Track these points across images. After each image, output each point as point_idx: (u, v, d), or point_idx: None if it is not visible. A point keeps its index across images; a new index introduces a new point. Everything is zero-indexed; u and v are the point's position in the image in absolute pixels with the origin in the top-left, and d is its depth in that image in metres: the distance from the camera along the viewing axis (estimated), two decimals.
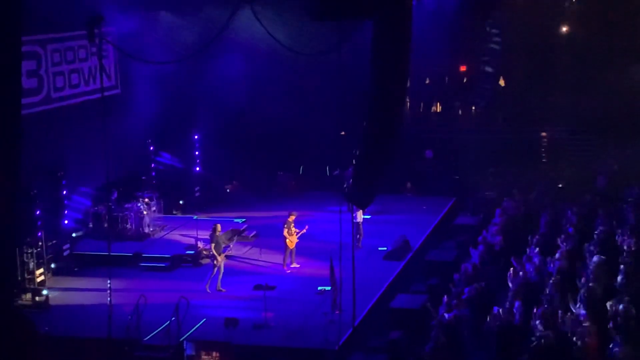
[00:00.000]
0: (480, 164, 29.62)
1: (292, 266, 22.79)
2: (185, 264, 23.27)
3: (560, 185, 27.43)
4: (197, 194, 29.47)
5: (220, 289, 21.18)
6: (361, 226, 23.86)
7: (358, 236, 23.18)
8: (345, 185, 24.02)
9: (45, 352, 16.36)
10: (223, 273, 21.20)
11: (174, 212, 28.03)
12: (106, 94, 23.40)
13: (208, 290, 21.06)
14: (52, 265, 22.55)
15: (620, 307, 16.66)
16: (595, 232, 21.56)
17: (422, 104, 33.56)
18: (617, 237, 21.43)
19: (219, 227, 21.63)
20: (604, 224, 22.27)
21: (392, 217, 27.07)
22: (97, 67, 25.18)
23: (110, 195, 24.98)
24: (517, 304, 17.79)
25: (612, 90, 28.62)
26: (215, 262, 21.17)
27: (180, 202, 28.37)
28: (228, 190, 30.49)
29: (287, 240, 22.55)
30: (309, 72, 28.92)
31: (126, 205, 25.53)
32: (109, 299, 17.48)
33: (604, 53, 29.64)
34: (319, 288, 20.90)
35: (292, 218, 22.70)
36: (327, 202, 27.23)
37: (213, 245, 21.21)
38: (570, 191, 26.77)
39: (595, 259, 19.18)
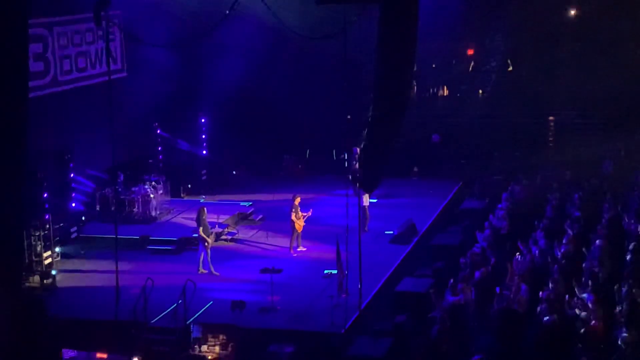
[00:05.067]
0: (486, 148, 29.61)
1: (298, 250, 22.84)
2: (191, 246, 23.31)
3: (567, 170, 27.39)
4: (203, 178, 29.51)
5: (214, 272, 21.24)
6: (367, 210, 23.88)
7: (365, 220, 23.20)
8: (351, 169, 24.10)
9: (53, 333, 16.51)
10: (211, 256, 21.36)
11: (182, 195, 28.09)
12: (113, 77, 23.38)
13: (202, 271, 21.11)
14: (57, 249, 22.59)
15: (626, 291, 16.69)
16: (603, 216, 21.58)
17: (429, 88, 33.50)
18: (623, 222, 21.44)
19: (205, 210, 21.70)
20: (610, 209, 22.27)
21: (398, 201, 27.09)
22: (103, 51, 25.18)
23: (117, 178, 25.05)
24: (523, 287, 17.82)
25: (619, 74, 28.53)
26: (205, 244, 21.25)
27: (189, 185, 28.41)
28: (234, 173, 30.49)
29: (295, 223, 22.58)
30: (316, 56, 28.86)
31: (133, 189, 25.59)
32: (116, 281, 17.57)
33: (612, 36, 29.54)
34: (325, 271, 20.96)
35: (297, 201, 22.73)
36: (333, 186, 27.28)
37: (201, 228, 21.28)
38: (577, 175, 26.75)
39: (598, 242, 19.20)
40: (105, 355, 16.82)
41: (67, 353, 16.83)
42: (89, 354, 16.98)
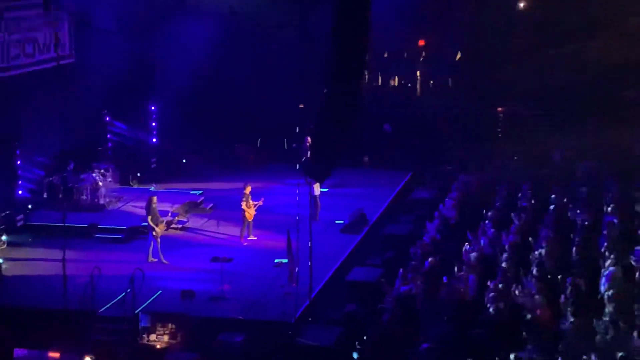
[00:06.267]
0: (437, 139, 29.79)
1: (249, 238, 22.79)
2: (141, 235, 23.13)
3: (515, 159, 27.71)
4: (153, 166, 29.28)
5: (163, 260, 21.13)
6: (318, 199, 23.90)
7: (315, 209, 23.22)
8: (303, 158, 24.14)
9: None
10: (161, 244, 21.22)
11: (131, 184, 27.85)
12: (61, 62, 23.06)
13: (151, 260, 20.98)
14: (4, 238, 22.25)
15: (571, 281, 16.97)
16: (550, 207, 21.89)
17: (380, 78, 33.61)
18: (569, 212, 21.78)
19: (155, 199, 21.58)
20: (557, 200, 22.60)
21: (349, 190, 27.15)
22: (52, 36, 24.80)
23: (66, 165, 24.74)
24: (471, 277, 18.02)
25: (568, 66, 28.89)
26: (153, 233, 21.13)
27: (138, 174, 28.17)
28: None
29: (246, 212, 22.53)
30: (269, 45, 28.79)
31: (82, 176, 25.29)
32: (63, 270, 17.37)
33: (561, 29, 29.88)
34: (276, 261, 20.94)
35: (248, 190, 22.68)
36: (285, 175, 27.24)
37: (150, 217, 21.16)
38: (526, 166, 27.06)
39: (545, 232, 19.47)
40: (57, 355, 16.64)
41: (18, 352, 16.64)
42: (41, 353, 16.79)
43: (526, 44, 30.48)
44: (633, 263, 17.94)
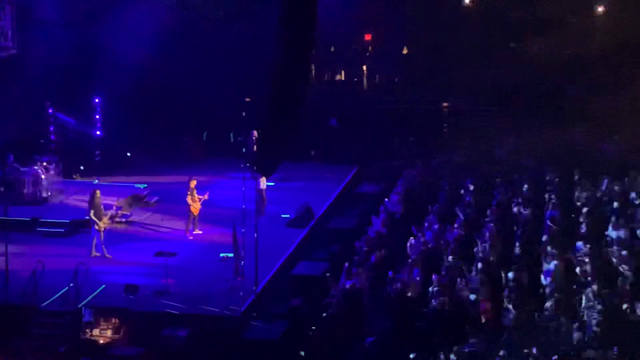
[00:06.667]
0: (383, 133, 29.92)
1: (194, 232, 22.66)
2: (84, 229, 22.85)
3: (460, 156, 27.93)
4: (97, 159, 28.94)
5: (107, 255, 20.93)
6: (265, 193, 23.86)
7: (262, 203, 23.18)
8: (249, 152, 24.04)
9: None
10: (105, 238, 21.01)
11: (74, 177, 27.49)
12: (2, 54, 22.67)
13: (95, 254, 20.76)
14: None
15: (514, 275, 17.20)
16: (493, 202, 22.14)
17: (327, 72, 33.65)
18: (513, 207, 22.05)
19: (98, 193, 21.37)
20: (501, 194, 22.87)
21: (295, 184, 27.13)
22: None
23: (6, 158, 24.30)
24: (416, 271, 18.16)
25: (513, 62, 29.20)
26: (96, 227, 20.92)
27: (81, 167, 27.83)
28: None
29: (191, 206, 22.40)
30: (216, 37, 28.61)
31: (23, 169, 24.87)
32: (5, 264, 17.11)
33: (506, 26, 30.18)
34: (222, 255, 20.82)
35: (193, 184, 22.54)
36: (230, 169, 27.11)
37: (93, 211, 20.94)
38: (470, 161, 27.32)
39: (488, 227, 19.69)
40: None
41: None
42: None
43: (472, 40, 30.75)
44: (573, 258, 18.25)
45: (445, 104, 31.50)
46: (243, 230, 18.91)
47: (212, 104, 29.68)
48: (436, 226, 20.68)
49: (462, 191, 23.69)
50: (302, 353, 16.35)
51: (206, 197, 22.63)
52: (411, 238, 20.01)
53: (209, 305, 18.33)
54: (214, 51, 29.67)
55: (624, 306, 15.85)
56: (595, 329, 15.26)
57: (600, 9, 30.86)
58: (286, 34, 16.33)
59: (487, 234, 19.72)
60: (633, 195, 22.01)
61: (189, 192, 22.42)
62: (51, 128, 27.63)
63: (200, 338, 17.26)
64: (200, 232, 22.70)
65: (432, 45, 31.21)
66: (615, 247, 18.49)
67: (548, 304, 16.34)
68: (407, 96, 31.38)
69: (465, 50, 30.68)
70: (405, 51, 33.27)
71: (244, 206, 19.06)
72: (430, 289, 17.32)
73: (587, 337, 15.22)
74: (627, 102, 27.55)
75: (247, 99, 29.27)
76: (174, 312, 17.99)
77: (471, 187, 23.64)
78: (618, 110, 27.59)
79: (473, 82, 29.43)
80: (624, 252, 18.12)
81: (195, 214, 22.50)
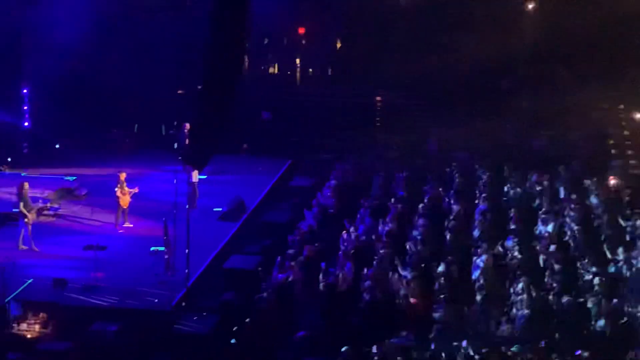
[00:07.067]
0: (316, 126, 29.95)
1: (124, 226, 22.40)
2: (11, 222, 22.41)
3: (392, 150, 28.11)
4: (25, 151, 28.44)
5: (34, 248, 20.59)
6: (197, 186, 23.69)
7: (193, 196, 23.01)
8: (181, 145, 23.87)
9: None
10: (32, 232, 20.69)
11: (1, 169, 26.98)
12: None
13: (22, 248, 20.41)
14: None
15: (444, 269, 17.38)
16: (425, 196, 22.32)
17: (260, 65, 33.54)
18: (444, 201, 22.27)
19: (26, 185, 21.03)
20: (432, 189, 23.08)
21: (228, 177, 26.99)
22: None
23: None
24: (348, 265, 18.22)
25: (446, 57, 29.45)
26: (25, 220, 20.57)
27: (9, 159, 27.31)
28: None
29: (120, 199, 22.13)
30: (148, 27, 28.28)
31: None
32: None
33: (439, 21, 30.45)
34: (152, 248, 20.63)
35: (123, 176, 22.29)
36: (162, 161, 26.84)
37: (21, 203, 20.59)
38: (402, 155, 27.51)
39: (420, 221, 19.85)
40: None
41: None
42: None
43: (405, 35, 30.94)
44: (503, 252, 18.52)
45: (378, 98, 31.65)
46: (174, 223, 18.75)
47: (144, 95, 29.34)
48: (368, 220, 20.77)
49: (394, 185, 23.84)
50: (233, 340, 16.32)
51: (136, 190, 22.39)
52: (344, 232, 20.07)
53: (139, 300, 18.16)
54: (147, 41, 29.33)
55: (552, 300, 16.13)
56: (523, 322, 15.50)
57: (530, 5, 31.36)
58: (219, 26, 16.22)
59: (419, 228, 19.89)
60: (561, 190, 22.45)
61: (118, 185, 22.16)
62: None
63: (130, 332, 17.08)
64: (131, 225, 22.45)
65: (366, 39, 31.32)
66: (543, 242, 18.81)
67: (478, 298, 16.56)
68: (340, 90, 31.45)
69: (398, 45, 30.85)
70: (338, 45, 33.34)
71: (175, 199, 18.88)
72: (362, 283, 17.39)
73: (516, 331, 15.47)
74: (556, 97, 28.04)
75: (180, 91, 29.06)
76: (104, 306, 17.76)
77: (403, 182, 23.81)
78: (547, 105, 28.09)
79: (406, 76, 29.61)
80: (552, 247, 18.46)
81: (125, 206, 22.25)
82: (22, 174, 25.73)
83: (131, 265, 19.93)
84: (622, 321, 15.31)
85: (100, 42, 28.63)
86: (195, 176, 23.25)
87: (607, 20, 27.65)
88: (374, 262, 18.16)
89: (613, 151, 26.98)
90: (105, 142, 29.60)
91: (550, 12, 29.59)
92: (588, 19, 27.79)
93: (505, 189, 22.88)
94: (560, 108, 27.84)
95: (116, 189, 22.14)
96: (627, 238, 19.16)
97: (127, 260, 20.23)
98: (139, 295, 18.37)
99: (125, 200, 22.17)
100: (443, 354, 14.46)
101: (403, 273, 17.49)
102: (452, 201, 21.91)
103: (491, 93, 29.23)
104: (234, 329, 16.84)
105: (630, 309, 15.87)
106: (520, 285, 16.36)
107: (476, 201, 21.95)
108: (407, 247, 19.10)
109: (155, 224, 21.00)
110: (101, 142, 29.36)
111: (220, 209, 23.75)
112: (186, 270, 18.41)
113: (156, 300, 17.93)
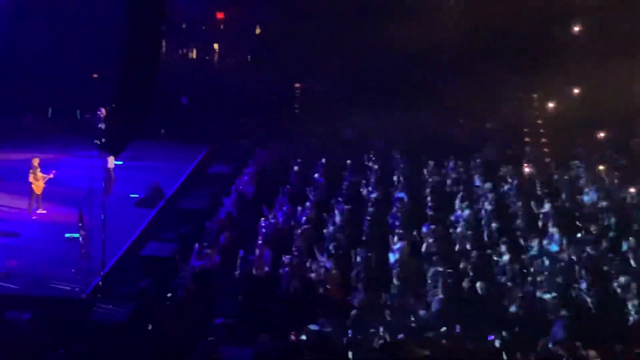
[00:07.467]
0: (235, 113, 29.80)
1: (38, 212, 21.95)
2: None
3: (311, 137, 28.17)
4: None
5: None
6: (112, 172, 23.33)
7: (109, 183, 22.67)
8: (97, 130, 23.45)
9: None
10: None
11: None
12: None
13: None
14: None
15: (362, 256, 17.51)
16: (343, 183, 22.46)
17: (178, 50, 33.20)
18: (362, 188, 22.45)
19: None
20: (350, 176, 23.23)
21: (145, 163, 26.65)
22: None
23: None
24: (266, 252, 18.22)
25: (367, 47, 29.58)
26: None
27: None
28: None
29: (33, 185, 21.66)
30: (65, 9, 27.72)
31: None
32: None
33: (361, 10, 30.53)
34: (67, 235, 20.29)
35: (36, 162, 21.82)
36: (77, 147, 26.36)
37: None
38: (321, 143, 27.59)
39: (338, 208, 19.94)
40: None
41: None
42: None
43: (326, 23, 30.94)
44: (420, 238, 18.76)
45: (297, 85, 31.64)
46: (90, 210, 18.44)
47: (58, 79, 28.77)
48: (287, 207, 20.79)
49: (313, 172, 23.91)
50: (150, 326, 16.16)
51: (52, 175, 21.94)
52: (262, 219, 20.05)
53: (53, 287, 17.83)
54: (61, 24, 28.74)
55: (467, 285, 16.40)
56: (438, 308, 15.73)
57: None
58: (136, 8, 15.99)
59: (337, 215, 19.98)
60: (477, 177, 22.83)
61: (31, 171, 21.69)
62: None
63: (44, 321, 16.76)
64: (45, 211, 22.01)
65: (286, 26, 31.24)
66: (459, 228, 19.11)
67: (395, 284, 16.73)
68: (259, 76, 31.32)
69: (318, 33, 30.85)
70: (257, 31, 33.19)
71: (90, 185, 18.56)
72: (280, 269, 17.41)
73: (432, 316, 15.69)
74: (474, 87, 28.45)
75: (95, 75, 28.55)
76: (17, 294, 17.40)
77: (322, 169, 23.89)
78: (465, 95, 28.48)
79: (326, 64, 29.68)
80: (468, 233, 18.77)
81: (38, 192, 21.78)
82: None
83: (45, 253, 19.53)
84: (534, 307, 15.67)
85: (14, 24, 27.95)
86: (112, 162, 22.91)
87: (524, 12, 28.15)
88: (293, 249, 18.20)
89: (527, 139, 27.58)
90: (17, 126, 28.93)
91: (470, 3, 29.95)
92: (506, 11, 28.23)
93: (422, 176, 23.17)
94: (478, 97, 28.28)
95: (29, 175, 21.67)
96: (540, 225, 19.61)
97: (40, 248, 19.83)
98: (52, 283, 18.03)
99: (38, 186, 21.71)
100: (360, 340, 14.58)
101: (321, 260, 17.56)
102: (370, 188, 22.08)
103: (410, 82, 29.49)
104: (151, 316, 16.68)
105: (542, 295, 16.24)
106: (435, 271, 16.60)
107: (394, 188, 22.17)
108: (325, 233, 19.18)
109: (70, 210, 20.62)
110: (14, 126, 28.68)
111: (136, 195, 23.46)
112: (102, 258, 18.14)
113: (71, 288, 17.62)
